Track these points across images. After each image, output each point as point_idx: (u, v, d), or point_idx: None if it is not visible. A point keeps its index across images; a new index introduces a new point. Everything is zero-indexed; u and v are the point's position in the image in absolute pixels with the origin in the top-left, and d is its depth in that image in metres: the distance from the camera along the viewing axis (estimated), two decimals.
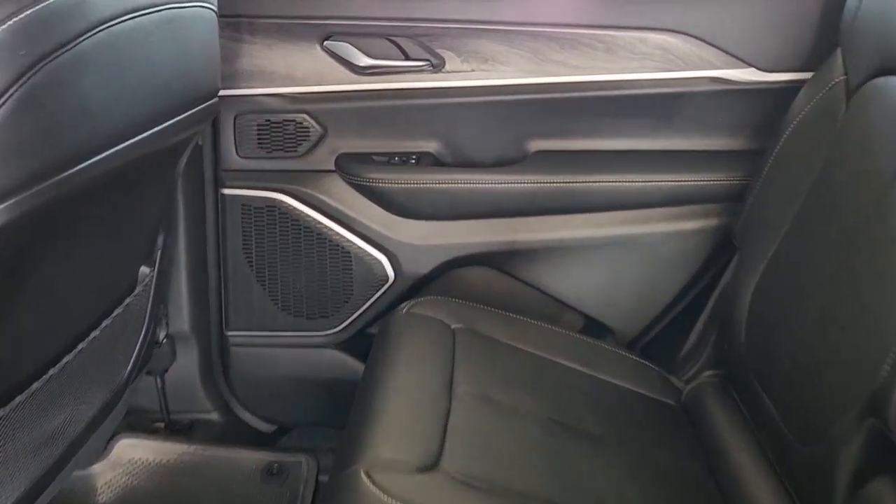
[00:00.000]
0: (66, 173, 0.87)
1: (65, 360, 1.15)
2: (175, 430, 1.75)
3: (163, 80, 1.07)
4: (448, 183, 1.53)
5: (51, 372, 1.10)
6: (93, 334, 1.23)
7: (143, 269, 1.41)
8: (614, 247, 1.59)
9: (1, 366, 0.99)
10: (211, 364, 1.74)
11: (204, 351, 1.72)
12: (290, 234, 1.61)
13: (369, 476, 0.97)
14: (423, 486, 0.98)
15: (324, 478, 1.67)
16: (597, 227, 1.56)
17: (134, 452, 1.66)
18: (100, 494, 1.57)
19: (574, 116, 1.56)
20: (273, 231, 1.61)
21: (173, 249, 1.57)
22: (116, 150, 0.97)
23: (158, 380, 1.72)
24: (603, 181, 1.55)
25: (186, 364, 1.72)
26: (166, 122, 1.07)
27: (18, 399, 1.03)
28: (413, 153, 1.57)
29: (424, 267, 1.60)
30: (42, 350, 1.11)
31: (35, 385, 1.06)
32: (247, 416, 1.80)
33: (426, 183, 1.53)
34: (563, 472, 1.10)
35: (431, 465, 1.02)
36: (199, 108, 1.20)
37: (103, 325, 1.24)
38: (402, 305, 1.44)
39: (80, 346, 1.19)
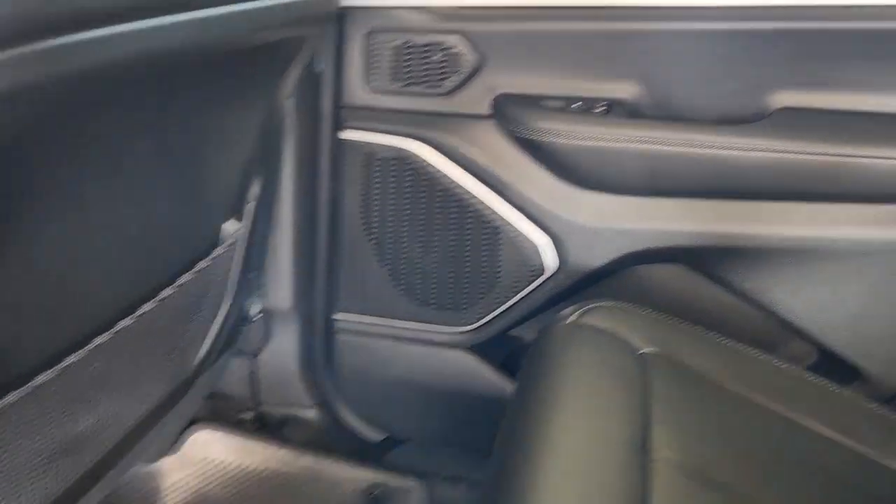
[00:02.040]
0: (82, 35, 0.54)
1: (116, 328, 0.83)
2: (264, 424, 1.43)
3: None
4: (648, 142, 1.09)
5: (95, 342, 0.78)
6: (151, 302, 0.91)
7: (228, 225, 1.08)
8: (885, 255, 1.09)
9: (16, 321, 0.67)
10: (312, 351, 1.40)
11: (305, 335, 1.38)
12: (424, 197, 1.22)
13: None
14: None
15: None
16: (864, 224, 1.07)
17: (211, 449, 1.35)
18: (163, 498, 1.28)
19: (841, 59, 1.07)
20: (402, 191, 1.23)
21: (274, 205, 1.23)
22: (168, 24, 0.62)
23: (249, 363, 1.40)
24: (880, 157, 1.05)
25: (283, 348, 1.39)
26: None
27: (41, 378, 0.71)
28: (601, 99, 1.13)
29: (598, 258, 1.17)
30: (75, 311, 0.78)
31: (64, 363, 0.74)
32: (350, 420, 1.45)
33: (617, 141, 1.10)
34: None
35: None
36: None
37: (162, 295, 0.91)
38: (568, 311, 1.02)
39: (136, 313, 0.87)
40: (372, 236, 1.28)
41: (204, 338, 1.12)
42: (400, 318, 1.32)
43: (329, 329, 1.37)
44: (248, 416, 1.44)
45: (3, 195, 0.60)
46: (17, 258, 0.67)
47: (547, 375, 0.91)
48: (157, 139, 0.82)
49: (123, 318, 0.85)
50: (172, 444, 1.31)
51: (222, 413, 1.42)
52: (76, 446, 0.85)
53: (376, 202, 1.25)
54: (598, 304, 1.03)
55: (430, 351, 1.33)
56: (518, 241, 1.20)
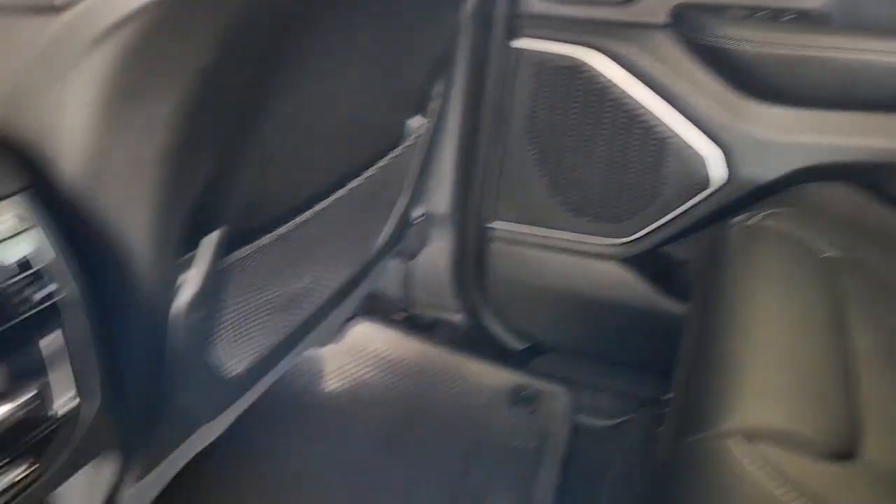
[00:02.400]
0: None
1: (315, 207, 0.89)
2: (414, 325, 1.51)
3: None
4: (838, 50, 1.07)
5: (302, 216, 0.85)
6: (349, 186, 0.97)
7: (413, 121, 1.13)
8: None
9: (252, 196, 0.75)
10: (465, 257, 1.45)
11: (460, 240, 1.44)
12: (593, 107, 1.24)
13: (754, 452, 0.60)
14: (841, 481, 0.60)
15: (585, 418, 1.35)
16: None
17: (370, 341, 1.44)
18: (327, 380, 1.38)
19: None
20: (571, 100, 1.25)
21: (443, 111, 1.28)
22: None
23: (405, 265, 1.47)
24: None
25: (438, 253, 1.45)
26: None
27: (264, 241, 0.78)
28: (789, 9, 1.12)
29: (769, 172, 1.17)
30: (293, 187, 0.85)
31: (283, 229, 0.82)
32: (496, 328, 1.51)
33: (805, 49, 1.08)
34: None
35: (848, 453, 0.63)
36: None
37: (356, 181, 0.97)
38: (743, 217, 1.04)
39: (334, 196, 0.93)
40: (535, 145, 1.32)
41: (381, 230, 1.19)
42: (555, 228, 1.36)
43: (484, 236, 1.42)
44: (400, 316, 1.52)
45: (268, 69, 0.66)
46: (272, 130, 0.74)
47: (731, 275, 0.93)
48: (370, 37, 0.87)
49: (335, 190, 0.92)
50: (337, 333, 1.41)
51: (376, 312, 1.50)
52: (289, 304, 0.94)
53: (543, 111, 1.28)
54: (773, 211, 1.04)
55: (583, 262, 1.36)
56: (685, 153, 1.21)
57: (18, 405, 0.51)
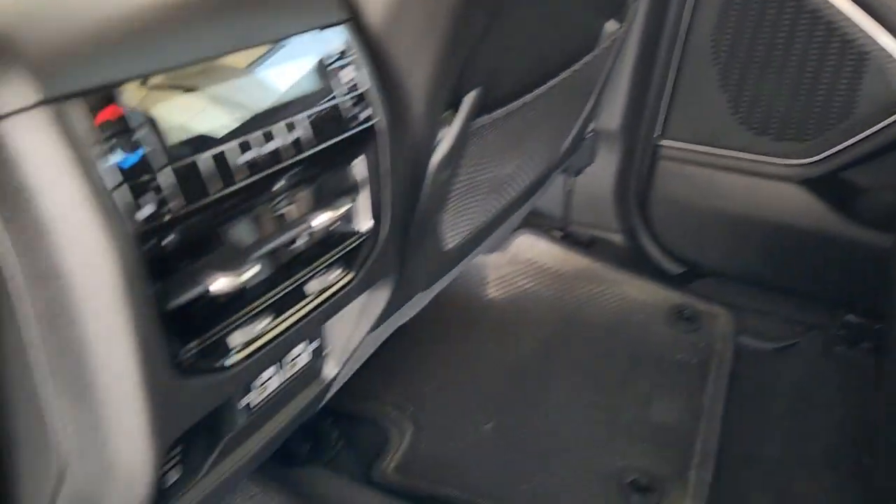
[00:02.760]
0: None
1: (532, 93, 0.92)
2: (573, 242, 1.53)
3: None
4: None
5: (522, 99, 0.88)
6: (555, 79, 0.99)
7: (609, 25, 1.13)
8: None
9: (496, 66, 0.78)
10: (630, 176, 1.46)
11: (626, 159, 1.44)
12: (787, 20, 1.21)
13: None
14: None
15: (749, 341, 1.35)
16: None
17: (534, 252, 1.47)
18: (490, 286, 1.42)
19: None
20: (763, 13, 1.22)
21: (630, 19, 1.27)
22: None
23: (569, 182, 1.49)
24: None
25: (603, 170, 1.46)
26: None
27: (499, 112, 0.82)
28: None
29: None
30: (519, 69, 0.88)
31: (510, 106, 0.85)
32: (654, 250, 1.51)
33: None
34: None
35: None
36: None
37: (560, 76, 0.99)
38: None
39: (547, 84, 0.96)
40: (718, 62, 1.29)
41: (569, 134, 1.21)
42: (732, 148, 1.34)
43: (653, 155, 1.42)
44: (559, 233, 1.55)
45: None
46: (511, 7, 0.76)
47: None
48: None
49: (547, 80, 0.95)
50: (504, 241, 1.45)
51: (538, 227, 1.53)
52: (498, 188, 0.97)
53: (730, 26, 1.26)
54: None
55: (758, 183, 1.34)
56: (888, 67, 1.16)
57: (337, 216, 0.56)
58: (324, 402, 0.83)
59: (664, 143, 1.40)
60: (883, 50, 1.15)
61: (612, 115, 1.40)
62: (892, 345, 0.79)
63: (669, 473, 1.08)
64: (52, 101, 0.37)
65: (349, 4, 0.57)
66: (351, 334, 0.73)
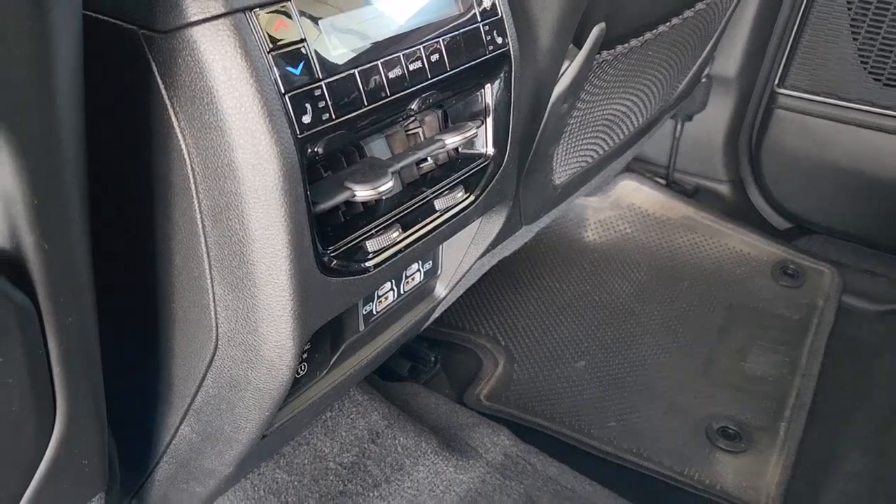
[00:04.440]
0: None
1: (653, 31, 0.91)
2: (678, 190, 1.51)
3: None
4: None
5: (640, 38, 0.88)
6: (678, 18, 0.97)
7: None
8: None
9: (615, 7, 0.78)
10: (742, 125, 1.42)
11: (740, 107, 1.40)
12: None
13: None
14: None
15: (854, 300, 1.31)
16: None
17: (636, 198, 1.47)
18: (590, 228, 1.43)
19: None
20: None
21: None
22: None
23: (677, 128, 1.46)
24: None
25: (714, 118, 1.42)
26: None
27: (620, 49, 0.82)
28: None
29: None
30: (636, 14, 0.87)
31: (631, 43, 0.85)
32: (761, 203, 1.47)
33: None
34: None
35: None
36: None
37: (683, 14, 0.96)
38: None
39: (667, 24, 0.94)
40: (850, 8, 1.23)
41: (681, 81, 1.19)
42: (856, 101, 1.28)
43: (769, 104, 1.37)
44: (662, 181, 1.53)
45: None
46: None
47: None
48: None
49: (667, 20, 0.93)
50: (605, 187, 1.45)
51: (642, 173, 1.52)
52: (609, 126, 0.98)
53: None
54: None
55: (881, 139, 1.28)
56: None
57: (465, 138, 0.58)
58: (429, 323, 0.87)
59: (782, 91, 1.35)
60: None
61: (730, 60, 1.36)
62: None
63: (760, 424, 1.08)
64: (235, 11, 0.41)
65: None
66: (462, 259, 0.76)
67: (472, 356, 1.18)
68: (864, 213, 1.36)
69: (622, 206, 1.45)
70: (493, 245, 0.80)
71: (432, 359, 1.13)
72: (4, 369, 0.37)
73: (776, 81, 1.35)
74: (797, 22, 1.29)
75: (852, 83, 1.27)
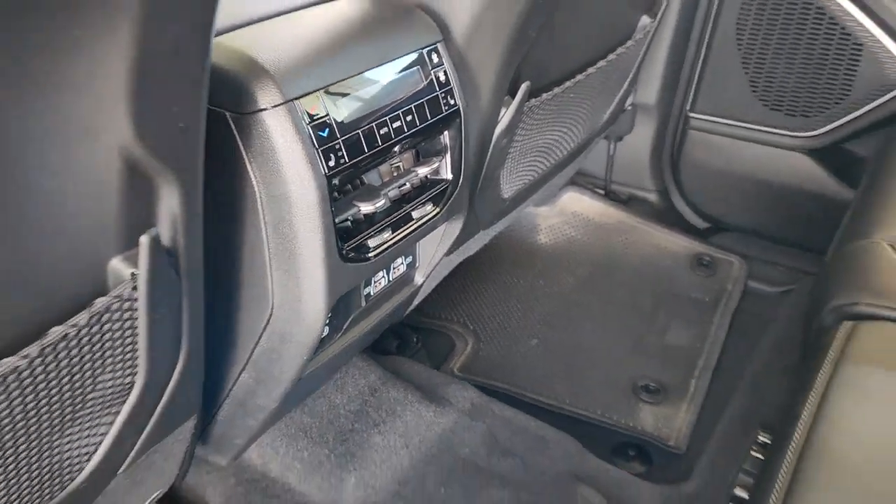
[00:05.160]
0: None
1: (572, 80, 1.19)
2: (613, 199, 1.81)
3: None
4: None
5: (563, 85, 1.16)
6: (591, 69, 1.26)
7: (644, 20, 1.39)
8: None
9: (542, 62, 1.06)
10: (664, 143, 1.71)
11: (661, 128, 1.70)
12: (797, 16, 1.44)
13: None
14: None
15: (757, 285, 1.61)
16: None
17: (579, 206, 1.76)
18: (541, 233, 1.72)
19: None
20: (781, 7, 1.46)
21: (664, 12, 1.52)
22: None
23: (611, 147, 1.76)
24: None
25: (640, 138, 1.72)
26: None
27: (545, 96, 1.10)
28: None
29: None
30: (562, 61, 1.16)
31: (555, 90, 1.13)
32: (683, 208, 1.77)
33: None
34: None
35: None
36: None
37: (597, 65, 1.25)
38: None
39: (584, 73, 1.23)
40: (741, 46, 1.53)
41: (605, 111, 1.48)
42: (750, 122, 1.58)
43: (684, 126, 1.67)
44: (600, 192, 1.82)
45: None
46: (558, 17, 1.04)
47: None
48: None
49: (584, 70, 1.22)
50: (554, 197, 1.73)
51: (583, 185, 1.81)
52: (546, 150, 1.26)
53: (754, 15, 1.49)
54: None
55: (771, 152, 1.58)
56: (879, 57, 1.39)
57: (431, 169, 0.86)
58: (411, 308, 1.14)
59: (693, 115, 1.65)
60: (877, 41, 1.38)
61: (650, 90, 1.66)
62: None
63: (675, 382, 1.37)
64: (288, 101, 0.68)
65: (440, 29, 0.87)
66: (434, 253, 1.04)
67: (447, 338, 1.46)
68: (765, 214, 1.66)
69: (567, 213, 1.74)
70: (457, 244, 1.08)
71: (415, 339, 1.41)
72: (165, 312, 0.64)
73: (688, 107, 1.65)
74: (701, 58, 1.59)
75: (747, 107, 1.58)
